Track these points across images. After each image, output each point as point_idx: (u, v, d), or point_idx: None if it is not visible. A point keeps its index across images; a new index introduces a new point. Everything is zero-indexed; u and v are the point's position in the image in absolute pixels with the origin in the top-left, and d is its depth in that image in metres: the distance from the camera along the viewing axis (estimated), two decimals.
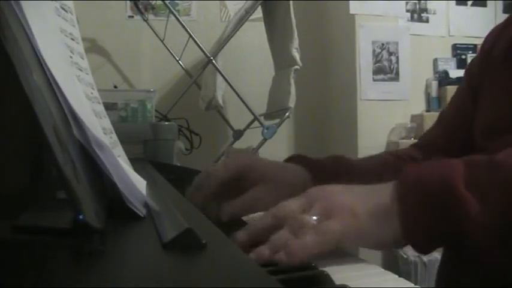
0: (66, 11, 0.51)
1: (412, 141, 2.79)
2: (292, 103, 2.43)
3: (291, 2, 2.42)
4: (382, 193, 0.47)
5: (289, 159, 0.74)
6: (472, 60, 0.86)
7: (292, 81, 2.44)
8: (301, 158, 0.73)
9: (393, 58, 2.94)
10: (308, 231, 0.44)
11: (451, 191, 0.44)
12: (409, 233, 0.45)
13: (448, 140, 0.82)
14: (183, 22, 2.45)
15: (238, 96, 2.41)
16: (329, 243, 0.44)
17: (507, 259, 0.43)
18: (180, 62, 2.88)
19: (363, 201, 0.46)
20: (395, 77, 2.95)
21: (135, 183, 0.48)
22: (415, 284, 0.38)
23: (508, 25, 0.77)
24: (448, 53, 3.14)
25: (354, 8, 2.90)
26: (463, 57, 3.11)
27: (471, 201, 0.43)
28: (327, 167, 0.73)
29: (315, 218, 0.45)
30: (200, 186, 0.68)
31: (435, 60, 3.10)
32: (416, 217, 0.44)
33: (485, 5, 3.19)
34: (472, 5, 3.17)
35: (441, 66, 3.07)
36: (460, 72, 2.93)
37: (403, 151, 0.86)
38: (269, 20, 2.63)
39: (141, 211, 0.46)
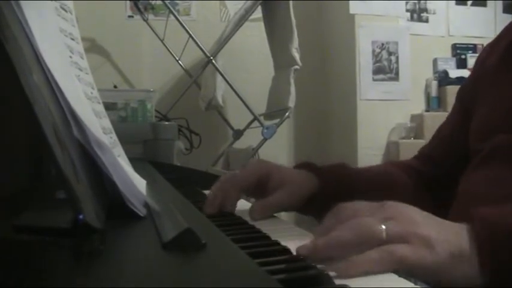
0: (66, 10, 0.51)
1: (412, 141, 2.80)
2: (292, 103, 2.43)
3: (290, 1, 2.42)
4: (461, 235, 0.46)
5: (300, 166, 0.79)
6: (464, 80, 0.91)
7: (292, 81, 2.44)
8: (310, 165, 0.79)
9: (393, 58, 2.94)
10: (379, 248, 0.42)
11: None
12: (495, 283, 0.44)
13: (442, 152, 0.87)
14: (182, 22, 2.45)
15: (238, 96, 2.41)
16: (394, 266, 0.42)
17: None
18: (179, 61, 2.88)
19: (443, 238, 0.45)
20: (395, 77, 2.95)
21: (135, 183, 0.48)
22: (415, 284, 0.38)
23: (500, 40, 0.80)
24: (448, 53, 3.14)
25: (353, 7, 2.90)
26: (463, 57, 3.11)
27: None
28: (332, 173, 0.78)
29: (384, 228, 0.43)
30: (223, 188, 0.71)
31: (435, 60, 3.10)
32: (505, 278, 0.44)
33: (485, 5, 3.19)
34: (472, 5, 3.17)
35: (441, 66, 3.07)
36: (460, 72, 2.94)
37: (405, 163, 0.91)
38: (269, 19, 2.63)
39: (141, 211, 0.46)
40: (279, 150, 3.11)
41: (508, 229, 0.45)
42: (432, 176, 0.85)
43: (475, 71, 0.85)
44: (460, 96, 0.88)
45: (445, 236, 0.45)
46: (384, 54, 2.93)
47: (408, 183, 0.84)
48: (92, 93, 0.53)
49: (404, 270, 0.42)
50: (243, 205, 0.72)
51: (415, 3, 3.06)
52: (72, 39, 0.51)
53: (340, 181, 0.77)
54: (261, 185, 0.72)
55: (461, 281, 0.45)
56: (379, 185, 0.82)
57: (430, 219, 0.47)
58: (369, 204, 0.49)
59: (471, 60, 3.05)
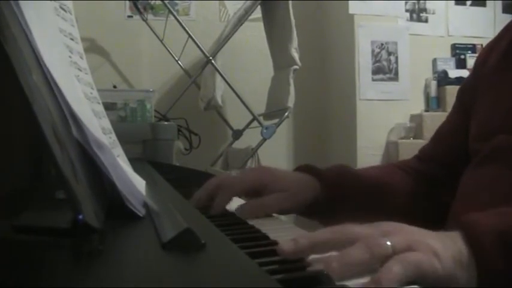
0: (65, 10, 0.51)
1: (411, 141, 2.80)
2: (291, 103, 2.43)
3: (290, 1, 2.42)
4: (457, 242, 0.46)
5: (299, 169, 0.79)
6: (464, 79, 0.91)
7: (291, 81, 2.44)
8: (310, 168, 0.78)
9: (392, 58, 2.94)
10: (395, 259, 0.40)
11: None
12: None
13: (442, 152, 0.88)
14: (182, 22, 2.45)
15: (238, 96, 2.41)
16: (412, 274, 0.40)
17: None
18: (179, 61, 2.88)
19: (444, 245, 0.44)
20: (395, 77, 2.95)
21: (134, 183, 0.48)
22: (414, 284, 0.39)
23: (500, 40, 0.80)
24: (447, 53, 3.14)
25: (353, 7, 2.90)
26: (462, 57, 3.11)
27: None
28: (334, 176, 0.78)
29: (389, 244, 0.42)
30: (217, 187, 0.71)
31: (434, 60, 3.10)
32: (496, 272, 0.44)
33: (484, 5, 3.19)
34: (471, 5, 3.17)
35: (440, 66, 3.07)
36: (459, 72, 2.94)
37: (406, 163, 0.91)
38: (268, 19, 2.63)
39: (140, 211, 0.46)
40: (278, 150, 3.11)
41: (496, 232, 0.45)
42: (433, 176, 0.85)
43: (475, 71, 0.85)
44: (459, 96, 0.88)
45: (445, 245, 0.44)
46: (384, 54, 2.93)
47: (409, 183, 0.84)
48: (91, 93, 0.53)
49: (418, 278, 0.40)
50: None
51: (414, 3, 3.06)
52: (72, 39, 0.51)
53: (341, 184, 0.77)
54: (258, 191, 0.72)
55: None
56: (380, 186, 0.82)
57: (425, 230, 0.47)
58: (363, 225, 0.47)
59: (470, 60, 3.05)
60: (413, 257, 0.41)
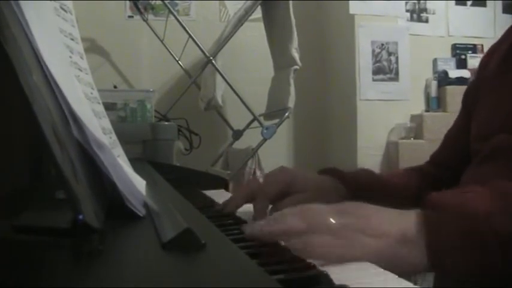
0: (65, 11, 0.51)
1: (412, 141, 2.80)
2: (291, 103, 2.43)
3: (290, 2, 2.42)
4: (409, 220, 0.48)
5: (324, 172, 0.80)
6: (468, 84, 0.93)
7: (291, 81, 2.44)
8: (334, 171, 0.79)
9: (393, 58, 2.94)
10: (336, 240, 0.45)
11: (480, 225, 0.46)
12: (441, 263, 0.46)
13: (448, 156, 0.89)
14: (182, 22, 2.45)
15: (238, 96, 2.41)
16: (355, 257, 0.44)
17: None
18: (179, 62, 2.88)
19: (388, 224, 0.48)
20: (395, 77, 2.95)
21: (134, 183, 0.48)
22: (415, 284, 0.39)
23: (501, 43, 0.81)
24: (448, 53, 3.14)
25: (353, 8, 2.90)
26: (463, 57, 3.11)
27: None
28: (359, 180, 0.79)
29: (339, 225, 0.46)
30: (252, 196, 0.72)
31: (435, 60, 3.10)
32: (447, 248, 0.46)
33: (484, 5, 3.19)
34: (472, 5, 3.17)
35: (440, 66, 3.07)
36: (460, 72, 2.94)
37: (423, 169, 0.92)
38: (268, 20, 2.63)
39: (141, 211, 0.46)
40: (278, 151, 3.11)
41: (453, 211, 0.48)
42: (437, 178, 0.86)
43: (477, 74, 0.85)
44: (463, 99, 0.89)
45: (390, 223, 0.48)
46: (384, 54, 2.93)
47: (414, 185, 0.85)
48: (91, 93, 0.53)
49: (353, 259, 0.44)
50: (244, 206, 0.73)
51: (414, 3, 3.06)
52: (72, 39, 0.51)
53: (367, 189, 0.77)
54: (283, 193, 0.71)
55: (408, 264, 0.47)
56: (403, 193, 0.82)
57: (381, 210, 0.50)
58: (326, 208, 0.51)
59: (471, 60, 3.06)
60: (362, 241, 0.45)
